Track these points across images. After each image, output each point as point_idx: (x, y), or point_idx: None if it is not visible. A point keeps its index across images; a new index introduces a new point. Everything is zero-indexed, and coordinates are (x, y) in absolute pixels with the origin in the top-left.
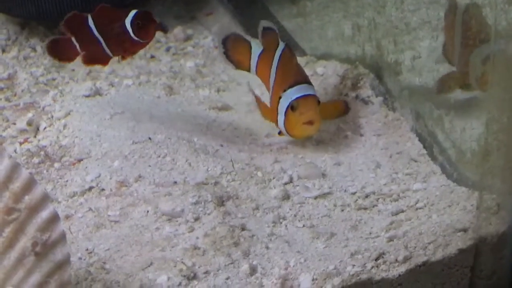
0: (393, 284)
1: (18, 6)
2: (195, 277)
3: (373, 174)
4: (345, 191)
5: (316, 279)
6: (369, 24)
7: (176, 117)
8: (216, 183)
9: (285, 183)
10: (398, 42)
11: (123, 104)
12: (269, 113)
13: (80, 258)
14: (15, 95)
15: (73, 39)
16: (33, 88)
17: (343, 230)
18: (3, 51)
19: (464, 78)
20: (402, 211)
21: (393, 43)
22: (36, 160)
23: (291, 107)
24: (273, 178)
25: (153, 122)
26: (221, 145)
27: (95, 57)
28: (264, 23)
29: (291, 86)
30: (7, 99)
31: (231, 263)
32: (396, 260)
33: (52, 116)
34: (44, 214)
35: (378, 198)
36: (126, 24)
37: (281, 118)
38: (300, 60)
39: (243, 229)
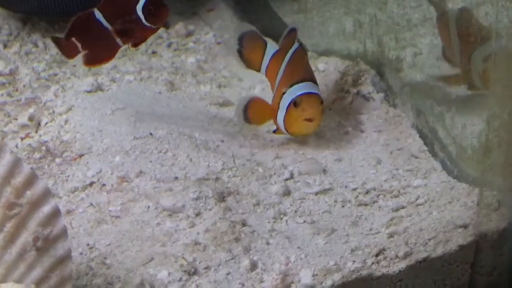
0: (393, 280)
1: (19, 1)
2: (195, 272)
3: (374, 170)
4: (345, 187)
5: (317, 275)
6: (371, 20)
7: (177, 113)
8: (217, 179)
9: (286, 179)
10: (400, 39)
11: (125, 100)
12: (270, 110)
13: (81, 253)
14: (16, 90)
15: (74, 39)
16: (34, 83)
17: (343, 226)
18: (5, 46)
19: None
20: (403, 207)
21: (395, 39)
22: (37, 155)
23: (294, 103)
24: (274, 174)
25: (154, 117)
26: (222, 141)
27: (96, 57)
28: (291, 26)
29: (296, 83)
30: (9, 94)
31: (232, 259)
32: (397, 256)
33: (54, 112)
34: (46, 209)
35: (379, 194)
36: (138, 11)
37: (281, 113)
38: None
39: (243, 224)
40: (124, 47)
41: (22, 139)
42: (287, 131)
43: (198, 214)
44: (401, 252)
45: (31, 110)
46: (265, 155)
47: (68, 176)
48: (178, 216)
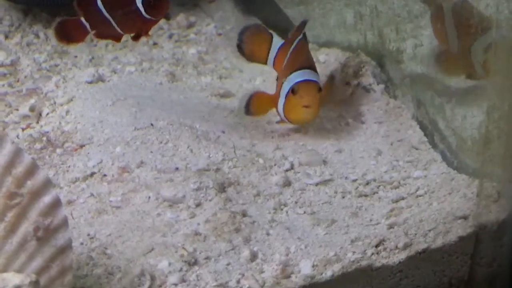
0: (393, 271)
1: None
2: (196, 262)
3: (374, 161)
4: (346, 178)
5: (317, 266)
6: (371, 12)
7: (178, 104)
8: (217, 170)
9: (286, 170)
10: (400, 30)
11: (126, 91)
12: (271, 99)
13: (81, 243)
14: (18, 81)
15: (83, 19)
16: (36, 74)
17: (343, 217)
18: (6, 37)
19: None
20: (403, 198)
21: (395, 31)
22: (38, 145)
23: (292, 91)
24: (274, 165)
25: (155, 108)
26: (223, 132)
27: (107, 34)
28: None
29: (295, 71)
30: (10, 85)
31: (232, 249)
32: (396, 247)
33: (55, 102)
34: (46, 199)
35: (379, 185)
36: (137, 3)
37: (281, 101)
38: None
39: (244, 215)
40: (124, 38)
41: (23, 129)
42: (286, 119)
43: (198, 205)
44: (401, 243)
45: (32, 101)
46: (265, 146)
47: (69, 166)
48: (179, 206)
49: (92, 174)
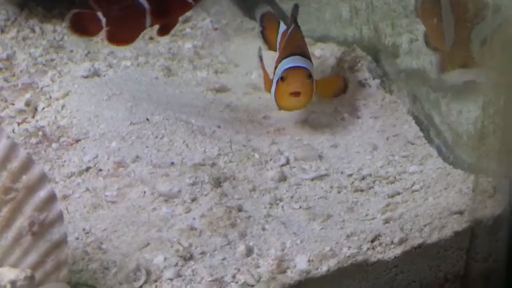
0: (389, 266)
1: None
2: (191, 257)
3: (370, 156)
4: (341, 173)
5: (312, 260)
6: (367, 7)
7: (174, 99)
8: (213, 164)
9: (282, 165)
10: (396, 25)
11: (121, 85)
12: (268, 84)
13: (77, 238)
14: (13, 75)
15: (100, 14)
16: (31, 68)
17: (339, 211)
18: (2, 31)
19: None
20: (398, 194)
21: (391, 26)
22: (34, 140)
23: (281, 78)
24: (270, 160)
25: (151, 103)
26: (219, 127)
27: (120, 34)
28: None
29: (285, 57)
30: (6, 80)
31: (228, 244)
32: (392, 242)
33: (50, 97)
34: (42, 193)
35: (375, 180)
36: None
37: (273, 88)
38: None
39: (239, 210)
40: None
41: (18, 124)
42: (278, 106)
43: (194, 200)
44: (396, 238)
45: (27, 95)
46: (261, 141)
47: (65, 161)
48: (174, 201)
49: (87, 169)
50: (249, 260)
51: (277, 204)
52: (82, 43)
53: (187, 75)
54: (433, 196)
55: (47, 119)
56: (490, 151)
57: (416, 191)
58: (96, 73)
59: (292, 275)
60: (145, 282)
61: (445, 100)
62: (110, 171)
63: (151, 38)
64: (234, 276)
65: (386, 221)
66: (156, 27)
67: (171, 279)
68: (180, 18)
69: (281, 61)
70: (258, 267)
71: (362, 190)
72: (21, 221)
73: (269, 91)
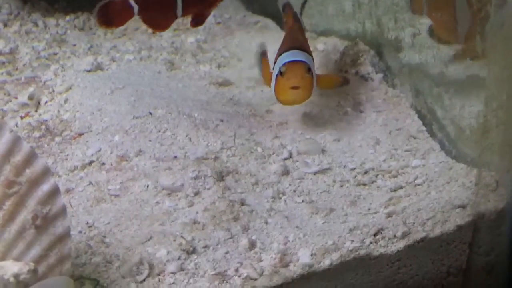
0: (392, 260)
1: None
2: (194, 251)
3: (373, 150)
4: (344, 167)
5: (315, 254)
6: (370, 1)
7: (176, 92)
8: (216, 158)
9: (285, 159)
10: (399, 19)
11: (124, 79)
12: (268, 78)
13: (80, 232)
14: (16, 69)
15: (132, 1)
16: (34, 62)
17: (342, 205)
18: (5, 25)
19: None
20: (401, 187)
21: (394, 20)
22: (37, 134)
23: (280, 72)
24: (273, 154)
25: (154, 97)
26: (221, 120)
27: (153, 20)
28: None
29: (284, 52)
30: (9, 73)
31: (230, 238)
32: (395, 236)
33: (53, 91)
34: (45, 187)
35: (377, 174)
36: None
37: (273, 83)
38: None
39: (242, 204)
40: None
41: (22, 118)
42: (278, 100)
43: (197, 193)
44: (399, 232)
45: (31, 89)
46: (264, 135)
47: (68, 155)
48: (177, 195)
49: (90, 163)
50: (251, 254)
51: (280, 198)
52: (85, 37)
53: (190, 69)
54: (435, 190)
55: (50, 113)
56: (493, 145)
57: (418, 185)
58: (99, 67)
59: (295, 269)
60: (148, 275)
61: (448, 94)
62: (113, 165)
63: (154, 32)
64: (237, 270)
65: (389, 215)
66: None
67: (174, 273)
68: None
69: (280, 55)
70: (261, 261)
71: (364, 184)
72: (25, 215)
73: (268, 84)
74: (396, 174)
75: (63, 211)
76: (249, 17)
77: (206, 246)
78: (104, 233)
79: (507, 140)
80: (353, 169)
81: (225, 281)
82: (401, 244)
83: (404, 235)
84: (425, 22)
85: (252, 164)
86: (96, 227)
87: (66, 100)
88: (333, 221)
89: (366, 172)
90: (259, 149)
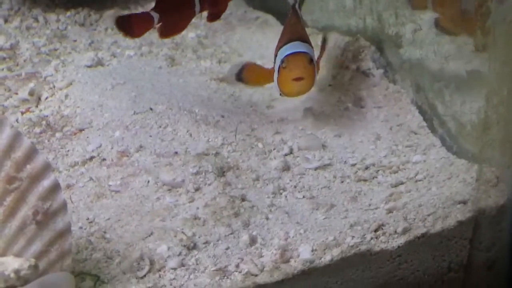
0: (392, 256)
1: None
2: (195, 247)
3: (373, 146)
4: (345, 162)
5: (316, 250)
6: None
7: (177, 88)
8: (216, 154)
9: (286, 154)
10: (399, 15)
11: (125, 75)
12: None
13: (80, 228)
14: (17, 65)
15: (152, 12)
16: (35, 58)
17: (342, 201)
18: (6, 21)
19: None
20: (402, 183)
21: (394, 16)
22: (37, 129)
23: (282, 64)
24: (274, 149)
25: (155, 92)
26: (222, 116)
27: (171, 27)
28: None
29: (285, 44)
30: (9, 69)
31: (231, 234)
32: (395, 231)
33: (54, 86)
34: (46, 183)
35: (378, 170)
36: None
37: (275, 76)
38: None
39: (243, 199)
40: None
41: (22, 113)
42: (282, 92)
43: (197, 189)
44: (400, 227)
45: (31, 85)
46: (264, 131)
47: (68, 150)
48: (178, 191)
49: (91, 158)
50: (252, 250)
51: (281, 194)
52: (86, 32)
53: (190, 65)
54: (436, 186)
55: (51, 108)
56: (493, 141)
57: (419, 180)
58: (99, 63)
59: (295, 265)
60: (149, 271)
61: (448, 90)
62: (113, 160)
63: (154, 28)
64: (237, 266)
65: (390, 210)
66: None
67: (175, 269)
68: None
69: (280, 48)
70: (262, 256)
71: (365, 180)
72: (25, 210)
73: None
74: (397, 170)
75: (63, 206)
76: (250, 13)
77: (206, 242)
78: (105, 229)
79: (508, 136)
80: (353, 165)
81: (225, 277)
82: (401, 240)
83: (405, 230)
84: (425, 17)
85: (253, 159)
86: (97, 222)
87: (66, 96)
88: (334, 217)
89: (367, 168)
90: (260, 145)
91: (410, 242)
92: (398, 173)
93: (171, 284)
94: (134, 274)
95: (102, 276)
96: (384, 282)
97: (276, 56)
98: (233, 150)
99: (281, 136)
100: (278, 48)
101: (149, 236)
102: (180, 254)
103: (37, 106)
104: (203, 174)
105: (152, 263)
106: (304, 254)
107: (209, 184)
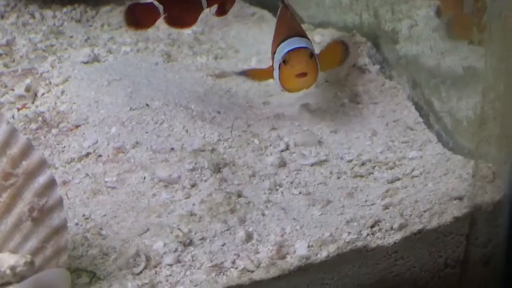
0: (389, 252)
1: None
2: (191, 243)
3: (370, 142)
4: (341, 158)
5: (312, 246)
6: None
7: (173, 84)
8: (213, 150)
9: (282, 150)
10: (396, 11)
11: (121, 71)
12: (265, 73)
13: (76, 224)
14: (13, 61)
15: (156, 2)
16: (31, 54)
17: (339, 197)
18: (2, 17)
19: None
20: (398, 179)
21: (391, 11)
22: (33, 126)
23: (283, 61)
24: (270, 145)
25: (151, 88)
26: (218, 112)
27: (178, 19)
28: None
29: (284, 40)
30: (6, 65)
31: (227, 230)
32: (392, 227)
33: (50, 82)
34: (41, 179)
35: (374, 166)
36: None
37: (276, 72)
38: None
39: (239, 196)
40: (119, 18)
41: (18, 109)
42: (284, 89)
43: (193, 185)
44: (396, 223)
45: (27, 81)
46: (261, 127)
47: (64, 146)
48: (174, 187)
49: (87, 155)
50: (248, 246)
51: (277, 190)
52: (82, 28)
53: (187, 61)
54: (432, 182)
55: (47, 104)
56: (490, 136)
57: (415, 176)
58: (96, 59)
59: (291, 261)
60: (145, 267)
61: (445, 86)
62: (110, 156)
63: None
64: (233, 262)
65: (386, 206)
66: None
67: (171, 265)
68: None
69: (279, 44)
70: (258, 252)
71: (361, 176)
72: (21, 207)
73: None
74: (393, 166)
75: (59, 203)
76: (246, 9)
77: (203, 238)
78: (101, 225)
79: (504, 131)
80: (350, 161)
81: (222, 273)
82: (398, 236)
83: (401, 227)
84: (421, 14)
85: (249, 156)
86: (93, 219)
87: (63, 92)
88: (330, 213)
89: (363, 164)
90: (256, 141)
91: (406, 238)
92: (394, 169)
93: (167, 281)
94: (130, 270)
95: (98, 272)
96: (380, 278)
97: (274, 53)
98: (229, 146)
99: (277, 132)
100: (276, 44)
101: (145, 232)
102: (176, 250)
103: (33, 102)
104: (199, 170)
105: (148, 259)
106: (300, 250)
107: (205, 180)
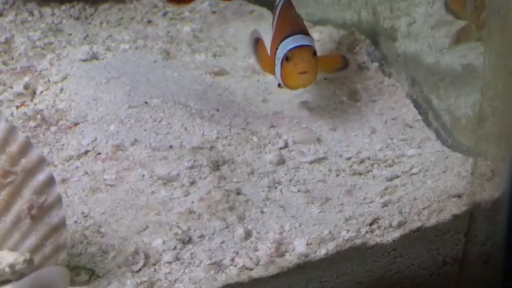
0: (387, 249)
1: None
2: (190, 241)
3: (368, 139)
4: (340, 156)
5: (311, 244)
6: None
7: (172, 82)
8: (211, 148)
9: (281, 148)
10: (394, 8)
11: (120, 69)
12: (268, 64)
13: (75, 222)
14: (12, 58)
15: None
16: (30, 52)
17: (338, 195)
18: (1, 15)
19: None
20: (397, 177)
21: (389, 9)
22: (32, 123)
23: (286, 58)
24: (269, 143)
25: (150, 86)
26: (217, 110)
27: None
28: None
29: (287, 37)
30: (4, 63)
31: (226, 227)
32: (391, 225)
33: (49, 80)
34: (40, 177)
35: (373, 164)
36: None
37: (278, 69)
38: None
39: (238, 193)
40: (118, 15)
41: (17, 107)
42: (286, 85)
43: (192, 183)
44: (395, 221)
45: (26, 79)
46: (259, 124)
47: (63, 144)
48: (173, 184)
49: (86, 152)
50: (247, 244)
51: (276, 187)
52: (81, 26)
53: (185, 59)
54: (431, 179)
55: (46, 102)
56: (488, 134)
57: (414, 174)
58: (94, 57)
59: (290, 258)
60: (144, 265)
61: (443, 83)
62: (108, 154)
63: (149, 22)
64: (232, 260)
65: (385, 204)
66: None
67: (170, 263)
68: None
69: (282, 41)
70: (257, 250)
71: (360, 173)
72: (20, 205)
73: (268, 70)
74: (392, 164)
75: (58, 201)
76: (245, 6)
77: (201, 236)
78: (100, 223)
79: (503, 129)
80: (348, 159)
81: (220, 271)
82: (397, 234)
83: (400, 224)
84: (420, 11)
85: (248, 153)
86: (92, 217)
87: (61, 90)
88: (329, 211)
89: (362, 162)
90: (255, 139)
91: (405, 236)
92: (393, 167)
93: (166, 278)
94: (129, 268)
95: (97, 270)
96: (379, 275)
97: (276, 48)
98: (228, 144)
99: (276, 130)
100: (279, 40)
101: (144, 230)
102: (175, 248)
103: (32, 100)
104: (198, 168)
105: (147, 257)
106: (299, 247)
107: (204, 178)
